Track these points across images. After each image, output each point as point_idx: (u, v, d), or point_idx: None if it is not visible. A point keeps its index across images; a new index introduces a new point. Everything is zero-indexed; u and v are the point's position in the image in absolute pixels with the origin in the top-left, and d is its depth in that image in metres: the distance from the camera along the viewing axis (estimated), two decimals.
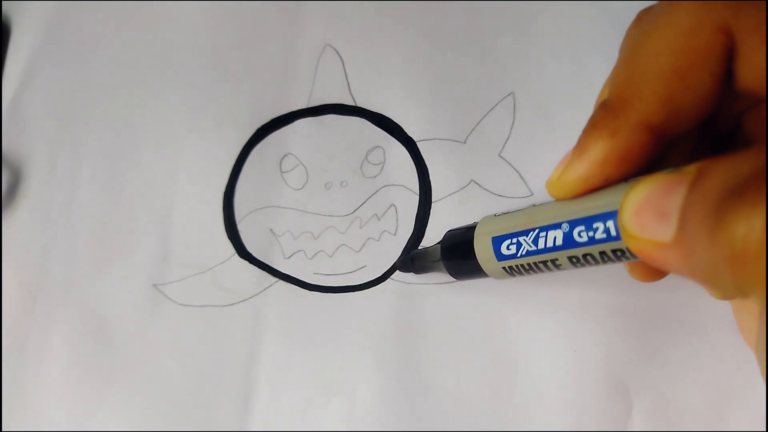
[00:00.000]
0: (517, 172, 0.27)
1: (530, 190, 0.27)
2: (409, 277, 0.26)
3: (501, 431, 0.24)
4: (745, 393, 0.23)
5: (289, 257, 0.28)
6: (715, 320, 0.23)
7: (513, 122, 0.28)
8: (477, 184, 0.27)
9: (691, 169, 0.13)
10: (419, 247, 0.27)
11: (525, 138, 0.27)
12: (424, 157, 0.28)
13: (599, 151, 0.16)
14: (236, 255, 0.29)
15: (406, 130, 0.29)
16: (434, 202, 0.28)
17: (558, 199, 0.18)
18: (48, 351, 0.28)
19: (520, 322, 0.25)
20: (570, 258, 0.17)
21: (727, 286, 0.11)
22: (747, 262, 0.10)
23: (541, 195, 0.26)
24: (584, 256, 0.17)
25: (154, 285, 0.29)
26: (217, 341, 0.27)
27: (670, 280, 0.21)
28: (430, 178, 0.28)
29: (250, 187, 0.29)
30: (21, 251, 0.30)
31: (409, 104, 0.29)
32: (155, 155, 0.31)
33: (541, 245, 0.18)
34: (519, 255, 0.19)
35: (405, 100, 0.29)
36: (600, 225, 0.16)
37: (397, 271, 0.27)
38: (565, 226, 0.17)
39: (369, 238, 0.28)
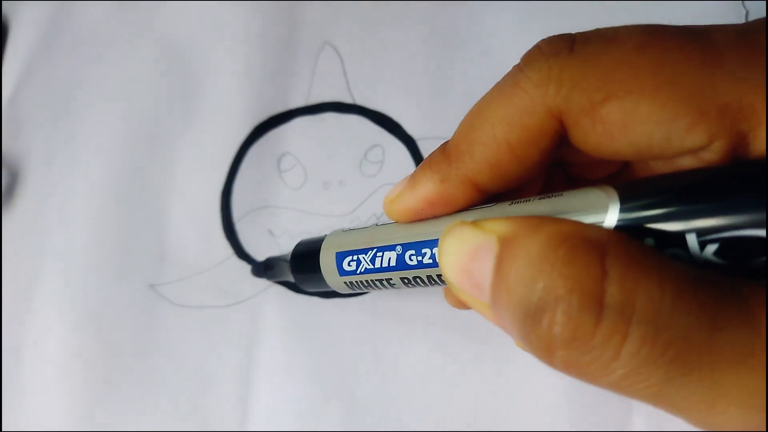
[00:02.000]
0: None
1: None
2: None
3: (501, 431, 0.24)
4: None
5: None
6: None
7: None
8: None
9: (497, 229, 0.13)
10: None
11: None
12: (423, 156, 0.28)
13: (428, 191, 0.17)
14: (234, 255, 0.28)
15: (405, 129, 0.29)
16: None
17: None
18: (47, 351, 0.28)
19: None
20: (402, 279, 0.18)
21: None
22: (557, 366, 0.12)
23: None
24: (414, 278, 0.18)
25: (151, 285, 0.29)
26: (216, 342, 0.27)
27: None
28: None
29: (248, 186, 0.29)
30: (19, 251, 0.30)
31: (408, 102, 0.29)
32: (152, 154, 0.30)
33: (377, 264, 0.19)
34: (358, 272, 0.20)
35: (405, 98, 0.29)
36: (428, 251, 0.17)
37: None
38: (399, 249, 0.18)
39: None
